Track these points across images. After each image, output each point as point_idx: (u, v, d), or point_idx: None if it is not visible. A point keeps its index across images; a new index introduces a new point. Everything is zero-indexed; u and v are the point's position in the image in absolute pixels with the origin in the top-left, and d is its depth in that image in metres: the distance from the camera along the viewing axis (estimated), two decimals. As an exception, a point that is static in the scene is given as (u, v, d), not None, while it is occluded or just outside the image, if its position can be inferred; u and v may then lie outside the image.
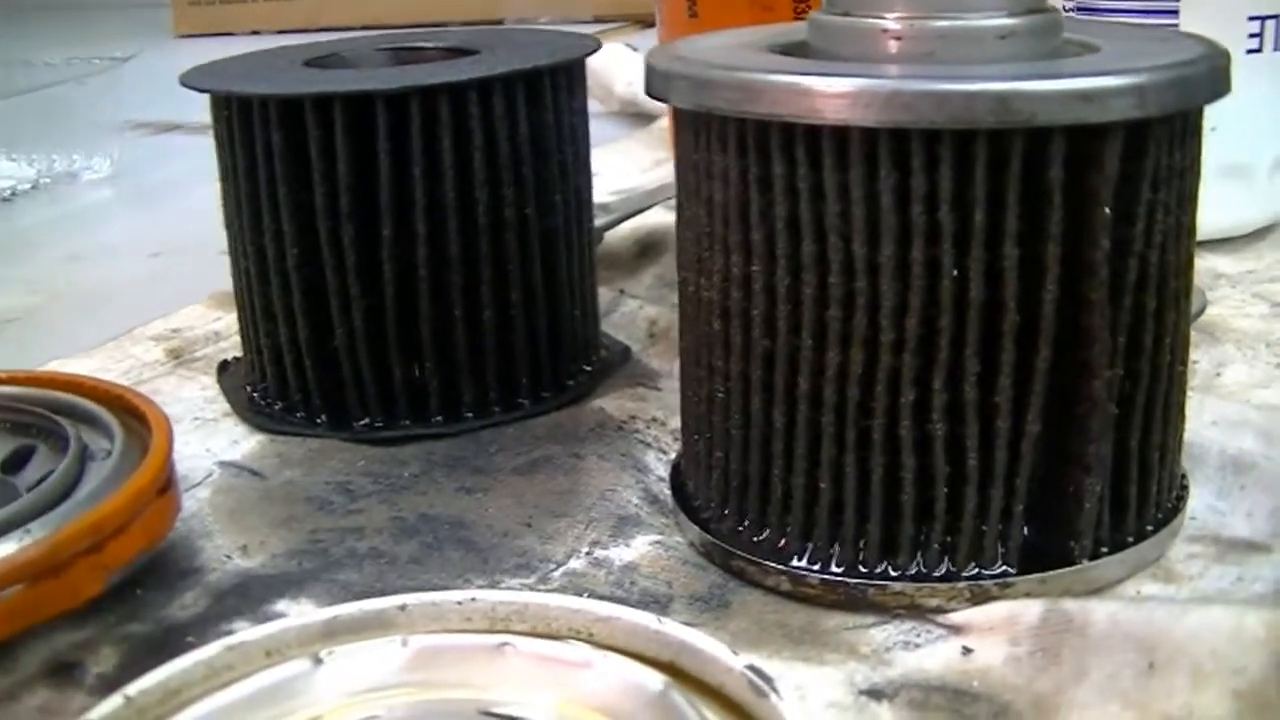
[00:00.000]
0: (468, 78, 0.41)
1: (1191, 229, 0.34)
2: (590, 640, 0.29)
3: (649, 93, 0.34)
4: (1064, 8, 0.52)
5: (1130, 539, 0.33)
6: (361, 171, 0.41)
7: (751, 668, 0.27)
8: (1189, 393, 0.43)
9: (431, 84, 0.41)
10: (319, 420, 0.44)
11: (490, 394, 0.44)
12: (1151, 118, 0.30)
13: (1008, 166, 0.30)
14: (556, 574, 0.35)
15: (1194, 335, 0.47)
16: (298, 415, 0.44)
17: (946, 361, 0.31)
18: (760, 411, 0.33)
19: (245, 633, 0.29)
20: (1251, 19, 0.52)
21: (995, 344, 0.31)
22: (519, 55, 0.44)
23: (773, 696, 0.26)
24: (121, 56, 0.69)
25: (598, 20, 1.22)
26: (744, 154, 0.32)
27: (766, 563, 0.34)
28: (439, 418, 0.43)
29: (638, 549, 0.36)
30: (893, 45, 0.32)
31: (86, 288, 0.60)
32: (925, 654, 0.31)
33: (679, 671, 0.28)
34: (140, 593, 0.35)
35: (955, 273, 0.30)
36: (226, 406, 0.46)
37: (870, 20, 0.33)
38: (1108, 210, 0.30)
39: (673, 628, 0.28)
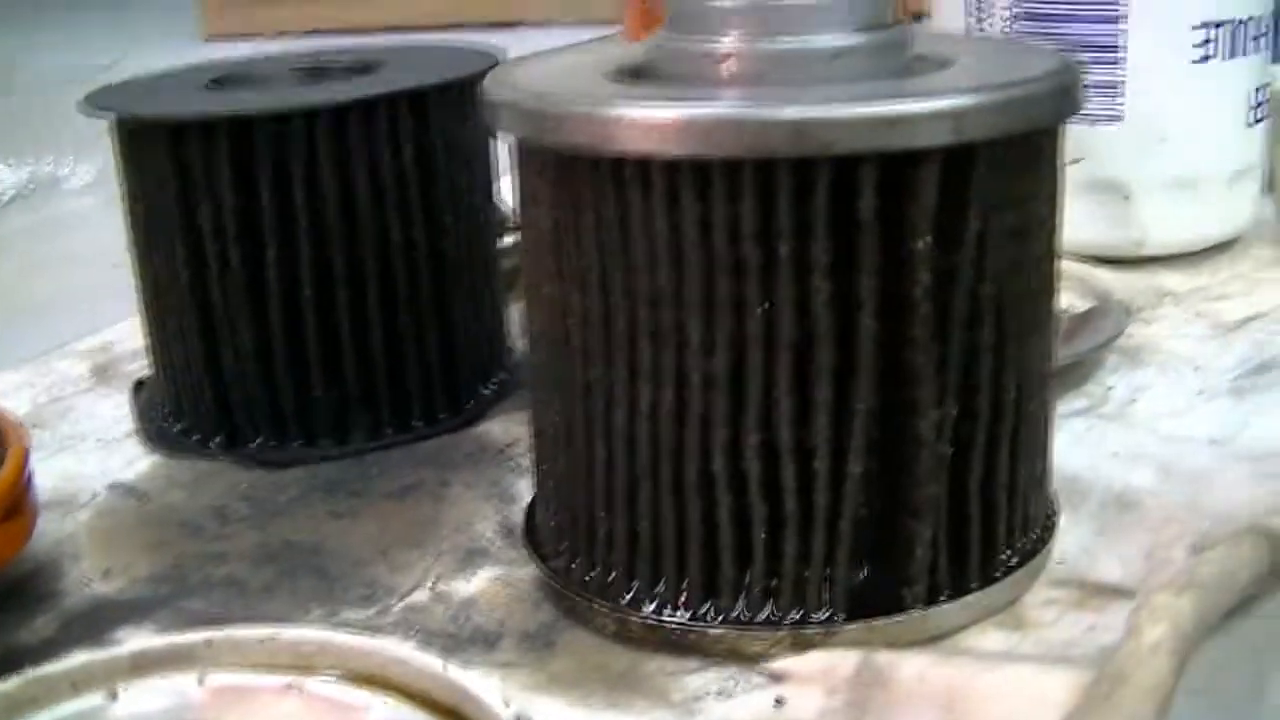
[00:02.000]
0: (348, 98, 0.41)
1: (1044, 256, 0.32)
2: (383, 682, 0.29)
3: (484, 121, 0.33)
4: (1009, 13, 0.50)
5: (973, 584, 0.32)
6: (245, 194, 0.41)
7: (519, 717, 0.26)
8: (1095, 421, 0.41)
9: (312, 105, 0.41)
10: (213, 442, 0.44)
11: (381, 416, 0.43)
12: (975, 141, 0.29)
13: (813, 196, 0.28)
14: (397, 606, 0.35)
15: (1115, 359, 0.45)
16: (194, 437, 0.44)
17: (758, 400, 0.30)
18: (583, 446, 0.32)
19: (49, 665, 0.29)
20: (1198, 27, 0.49)
21: (809, 382, 0.29)
22: (412, 73, 0.43)
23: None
24: (105, 64, 0.70)
25: (618, 21, 1.21)
26: (558, 181, 0.31)
27: (593, 602, 0.33)
28: (329, 440, 0.43)
29: (479, 583, 0.35)
30: (723, 68, 0.31)
31: (40, 298, 0.61)
32: (736, 704, 0.30)
33: (460, 717, 0.28)
34: (-7, 612, 0.35)
35: (763, 307, 0.29)
36: (134, 425, 0.46)
37: (701, 43, 0.31)
38: (925, 242, 0.29)
39: (456, 673, 0.28)
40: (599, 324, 0.31)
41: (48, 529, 0.39)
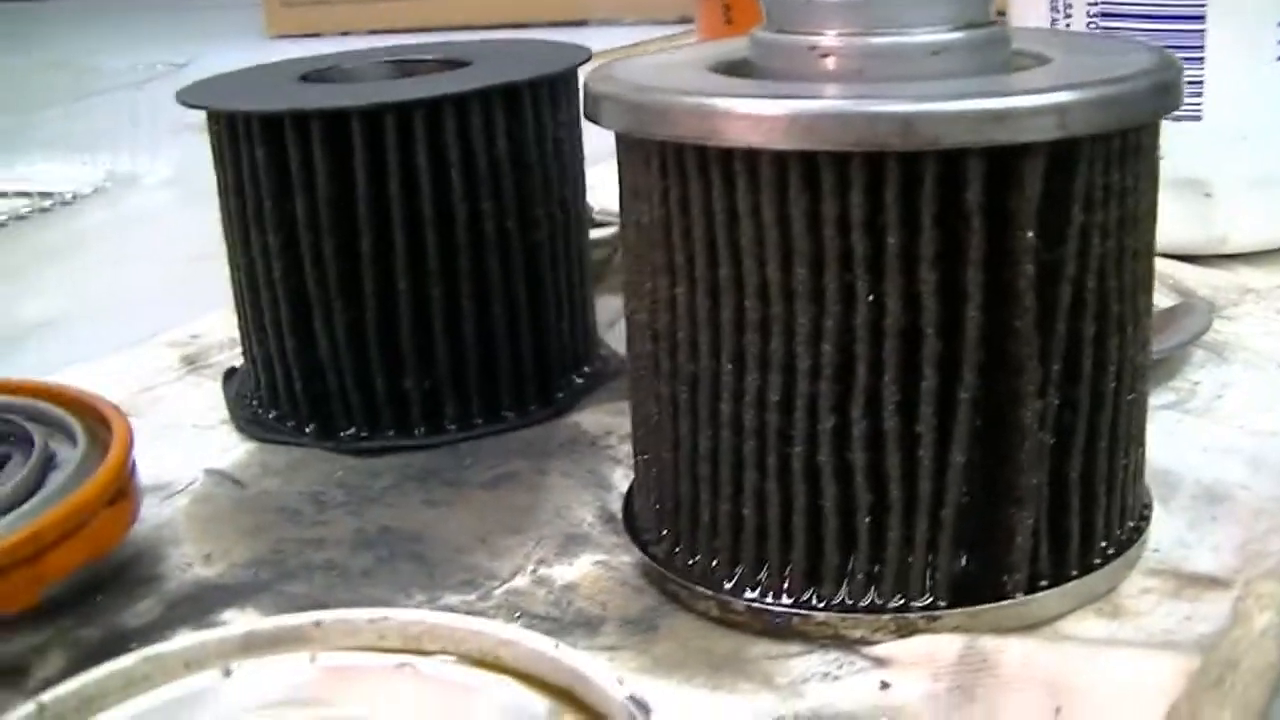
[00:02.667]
0: (443, 93, 0.42)
1: (1143, 250, 0.32)
2: (494, 664, 0.29)
3: (586, 115, 0.33)
4: (1088, 13, 0.51)
5: (1073, 572, 0.32)
6: (340, 186, 0.42)
7: (632, 698, 0.27)
8: (1183, 416, 0.41)
9: (406, 100, 0.41)
10: (306, 430, 0.44)
11: (472, 406, 0.44)
12: (1079, 136, 0.29)
13: (920, 189, 0.29)
14: (498, 591, 0.35)
15: (1200, 355, 0.45)
16: (288, 424, 0.45)
17: (865, 388, 0.30)
18: (688, 435, 0.33)
19: (163, 644, 0.30)
20: (1281, 24, 0.50)
21: (915, 371, 0.30)
22: (504, 69, 0.44)
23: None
24: (180, 63, 0.72)
25: (682, 20, 1.21)
26: (665, 175, 0.31)
27: (696, 587, 0.33)
28: (421, 429, 0.44)
29: (581, 568, 0.36)
30: (825, 63, 0.32)
31: (122, 292, 0.62)
32: (842, 687, 0.31)
33: (573, 698, 0.28)
34: (100, 598, 0.36)
35: (871, 298, 0.29)
36: (226, 414, 0.47)
37: (802, 37, 0.32)
38: (1030, 234, 0.29)
39: (567, 654, 0.28)
40: (706, 316, 0.31)
41: (147, 514, 0.39)
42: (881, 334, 0.30)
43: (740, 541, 0.32)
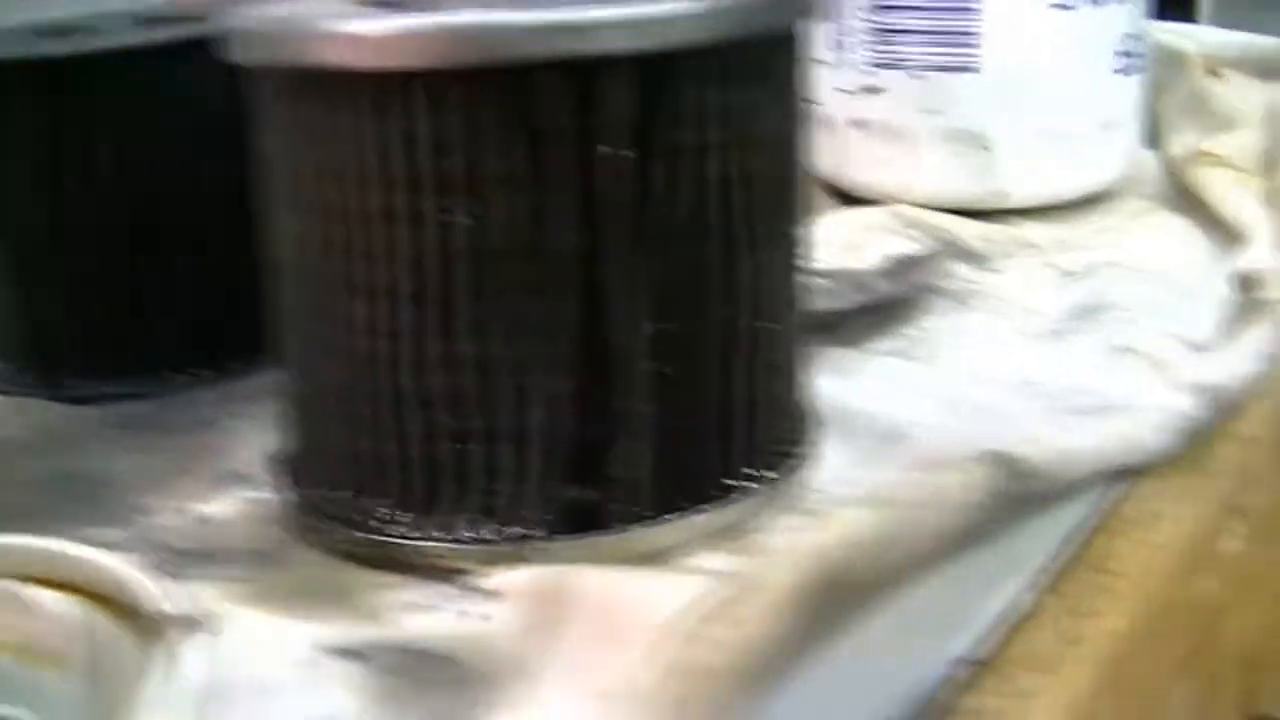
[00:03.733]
0: (151, 43, 0.41)
1: (772, 175, 0.31)
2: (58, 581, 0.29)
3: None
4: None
5: (697, 505, 0.31)
6: (50, 136, 0.41)
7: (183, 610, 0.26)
8: (902, 361, 0.40)
9: (114, 48, 0.41)
10: (27, 377, 0.44)
11: (197, 356, 0.43)
12: (670, 51, 0.28)
13: (491, 106, 0.28)
14: (144, 524, 0.35)
15: (944, 303, 0.44)
16: (10, 370, 0.44)
17: (466, 315, 0.29)
18: (314, 368, 0.32)
19: None
20: (1060, -29, 0.48)
21: (509, 297, 0.29)
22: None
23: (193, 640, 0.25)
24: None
25: None
26: (275, 99, 0.31)
27: (324, 521, 0.32)
28: (139, 378, 0.43)
29: (230, 504, 0.35)
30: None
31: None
32: (435, 618, 0.30)
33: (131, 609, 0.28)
34: None
35: (441, 219, 0.28)
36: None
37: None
38: (618, 153, 0.28)
39: (118, 567, 0.28)
40: (318, 246, 0.30)
41: None
42: (465, 257, 0.29)
43: (362, 475, 0.32)
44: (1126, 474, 0.35)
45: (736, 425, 0.31)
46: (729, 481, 0.32)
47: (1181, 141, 0.55)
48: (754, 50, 0.30)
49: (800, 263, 0.33)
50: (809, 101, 0.32)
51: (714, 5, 0.29)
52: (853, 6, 0.50)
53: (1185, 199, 0.52)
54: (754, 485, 0.32)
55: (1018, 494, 0.31)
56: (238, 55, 0.31)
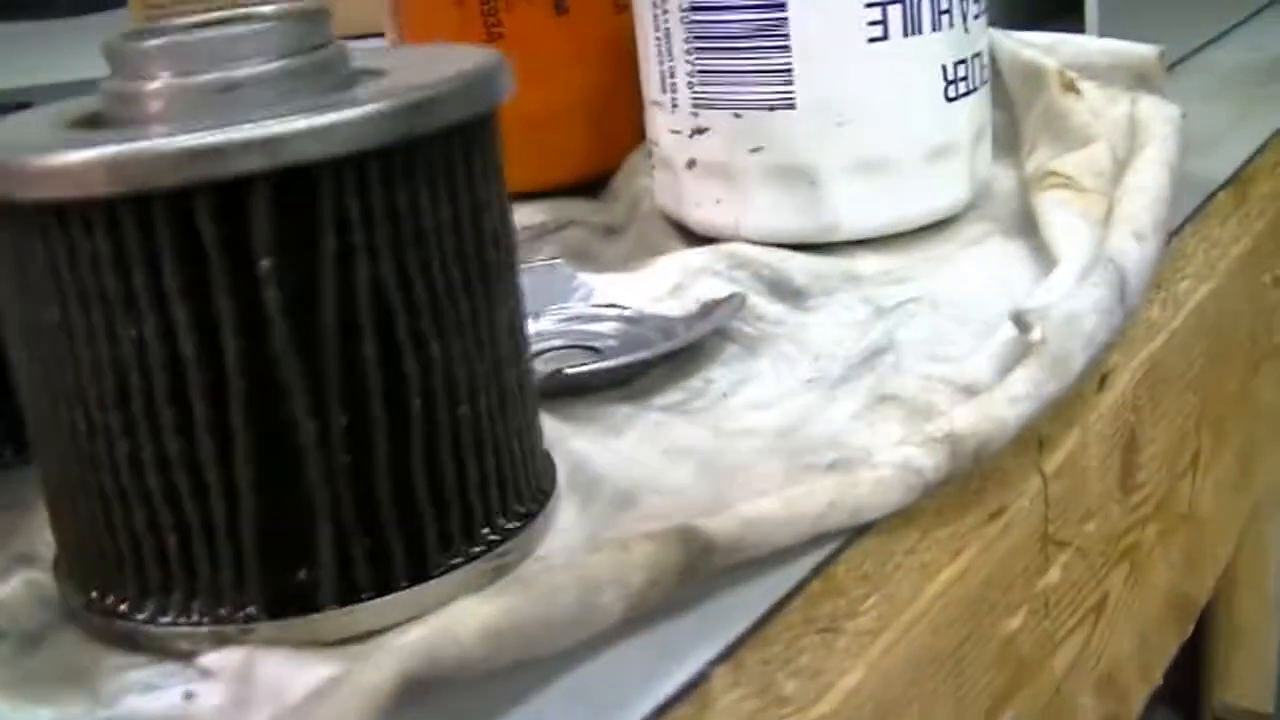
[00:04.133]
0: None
1: (447, 262, 0.33)
2: None
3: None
4: (680, 5, 0.51)
5: (402, 584, 0.33)
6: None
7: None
8: (671, 417, 0.42)
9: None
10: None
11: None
12: (306, 165, 0.30)
13: (154, 228, 0.30)
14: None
15: (733, 349, 0.45)
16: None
17: (145, 417, 0.31)
18: (46, 462, 0.35)
19: None
20: (870, 5, 0.49)
21: (186, 400, 0.31)
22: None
23: None
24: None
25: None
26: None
27: (76, 599, 0.35)
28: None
29: (12, 586, 0.37)
30: (145, 108, 0.33)
31: None
32: (154, 698, 0.32)
33: None
34: None
35: (132, 334, 0.31)
36: None
37: (119, 84, 0.33)
38: (266, 263, 0.30)
39: None
40: (27, 354, 0.33)
41: None
42: (149, 367, 0.31)
43: (93, 562, 0.34)
44: (867, 528, 0.37)
45: (434, 505, 0.33)
46: (434, 559, 0.34)
47: (1034, 160, 0.55)
48: (414, 152, 0.32)
49: (516, 344, 0.35)
50: (491, 188, 0.34)
51: (354, 115, 0.30)
52: (677, 49, 0.51)
53: (1031, 223, 0.53)
54: (468, 559, 0.34)
55: (697, 568, 0.33)
56: None
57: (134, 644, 0.34)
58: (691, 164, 0.53)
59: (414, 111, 0.31)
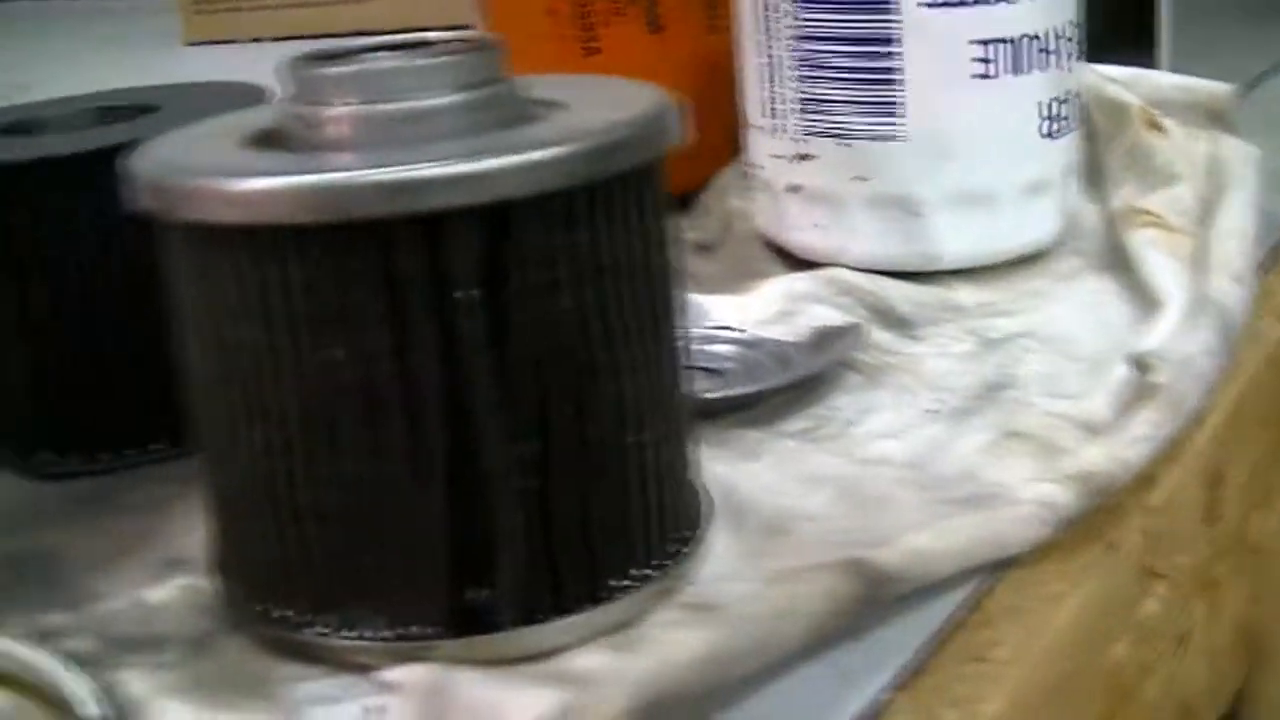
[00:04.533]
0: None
1: (633, 298, 0.33)
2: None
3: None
4: (792, 33, 0.52)
5: (577, 606, 0.34)
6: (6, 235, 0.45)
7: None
8: (802, 445, 0.43)
9: (59, 155, 0.44)
10: (3, 452, 0.47)
11: (151, 433, 0.46)
12: (512, 201, 0.31)
13: (353, 257, 0.31)
14: (96, 611, 0.38)
15: (854, 378, 0.46)
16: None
17: (334, 437, 0.32)
18: (220, 474, 0.35)
19: None
20: (977, 43, 0.50)
21: (381, 424, 0.32)
22: (179, 117, 0.46)
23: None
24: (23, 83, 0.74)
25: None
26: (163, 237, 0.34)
27: (244, 608, 0.36)
28: (105, 454, 0.46)
29: (170, 590, 0.38)
30: (327, 134, 0.33)
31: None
32: (335, 711, 0.33)
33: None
34: None
35: (324, 356, 0.31)
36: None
37: (300, 108, 0.34)
38: (461, 295, 0.31)
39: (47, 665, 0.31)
40: (214, 371, 0.33)
41: None
42: (345, 389, 0.32)
43: (268, 572, 0.35)
44: (1008, 561, 0.38)
45: (611, 530, 0.34)
46: (608, 582, 0.34)
47: (1120, 196, 0.56)
48: (599, 191, 0.32)
49: (677, 374, 0.36)
50: (667, 228, 0.35)
51: (554, 155, 0.31)
52: (783, 76, 0.52)
53: (1119, 258, 0.54)
54: (638, 584, 0.35)
55: (873, 599, 0.34)
56: (131, 197, 0.34)
57: (308, 656, 0.34)
58: (794, 189, 0.53)
59: (609, 152, 0.32)
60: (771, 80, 0.53)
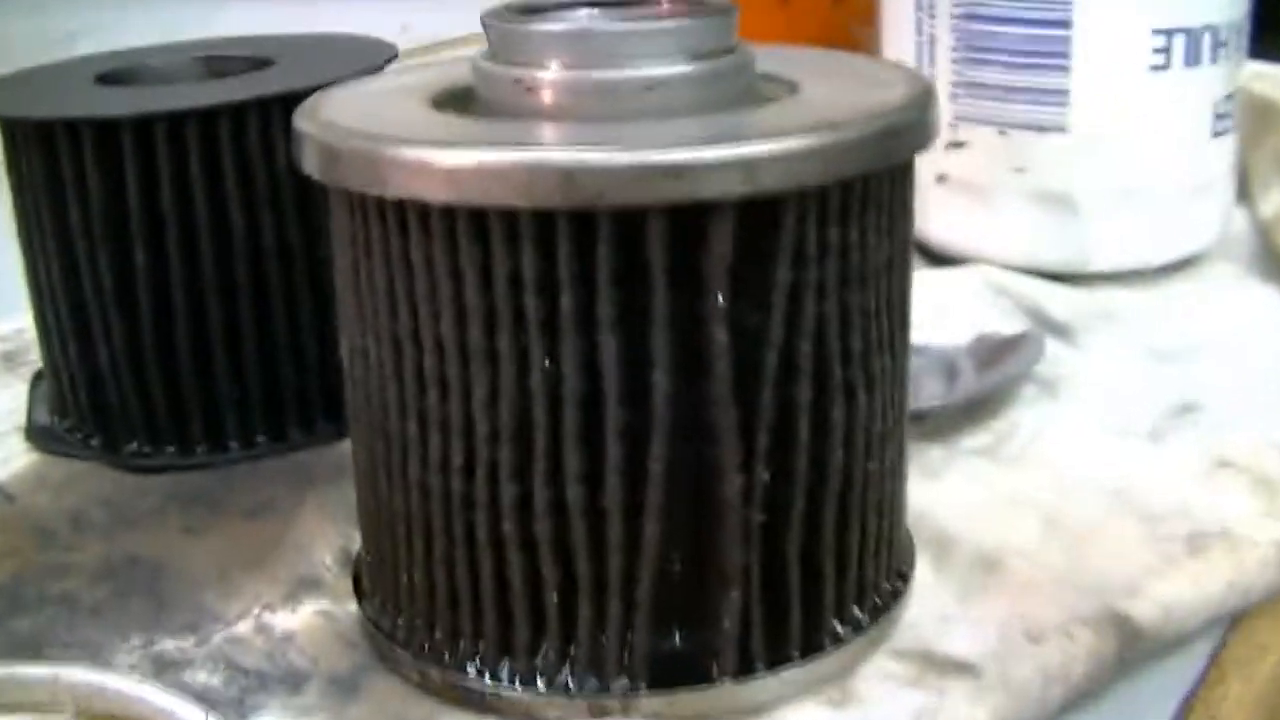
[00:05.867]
0: (218, 102, 0.39)
1: (881, 308, 0.30)
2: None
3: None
4: (951, 14, 0.47)
5: (795, 654, 0.30)
6: (112, 196, 0.39)
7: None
8: (989, 464, 0.39)
9: (177, 110, 0.39)
10: (92, 443, 0.43)
11: (255, 424, 0.42)
12: (776, 192, 0.26)
13: (594, 248, 0.26)
14: (217, 637, 0.34)
15: (1032, 390, 0.42)
16: (76, 436, 0.43)
17: (545, 456, 0.28)
18: (385, 494, 0.31)
19: None
20: (1156, 33, 0.46)
21: (599, 440, 0.28)
22: (299, 71, 0.42)
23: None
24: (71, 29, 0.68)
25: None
26: (352, 217, 0.29)
27: (398, 650, 0.31)
28: (202, 447, 0.42)
29: (303, 617, 0.34)
30: (534, 98, 0.29)
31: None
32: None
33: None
34: None
35: (547, 362, 0.27)
36: (24, 419, 0.45)
37: (513, 69, 0.29)
38: (720, 297, 0.27)
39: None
40: (392, 372, 0.29)
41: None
42: (560, 400, 0.27)
43: (435, 607, 0.30)
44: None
45: (844, 569, 0.30)
46: (828, 628, 0.30)
47: (1271, 201, 0.52)
48: (870, 185, 0.28)
49: (906, 392, 0.32)
50: (911, 228, 0.31)
51: (821, 143, 0.27)
52: (940, 56, 0.48)
53: (1276, 264, 0.50)
54: (854, 630, 0.31)
55: (1127, 657, 0.30)
56: (307, 165, 0.30)
57: (485, 705, 0.30)
58: (941, 178, 0.49)
59: (880, 143, 0.28)
60: (926, 61, 0.49)
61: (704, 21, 0.29)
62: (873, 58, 0.32)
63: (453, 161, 0.26)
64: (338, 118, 0.29)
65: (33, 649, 0.34)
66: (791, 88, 0.31)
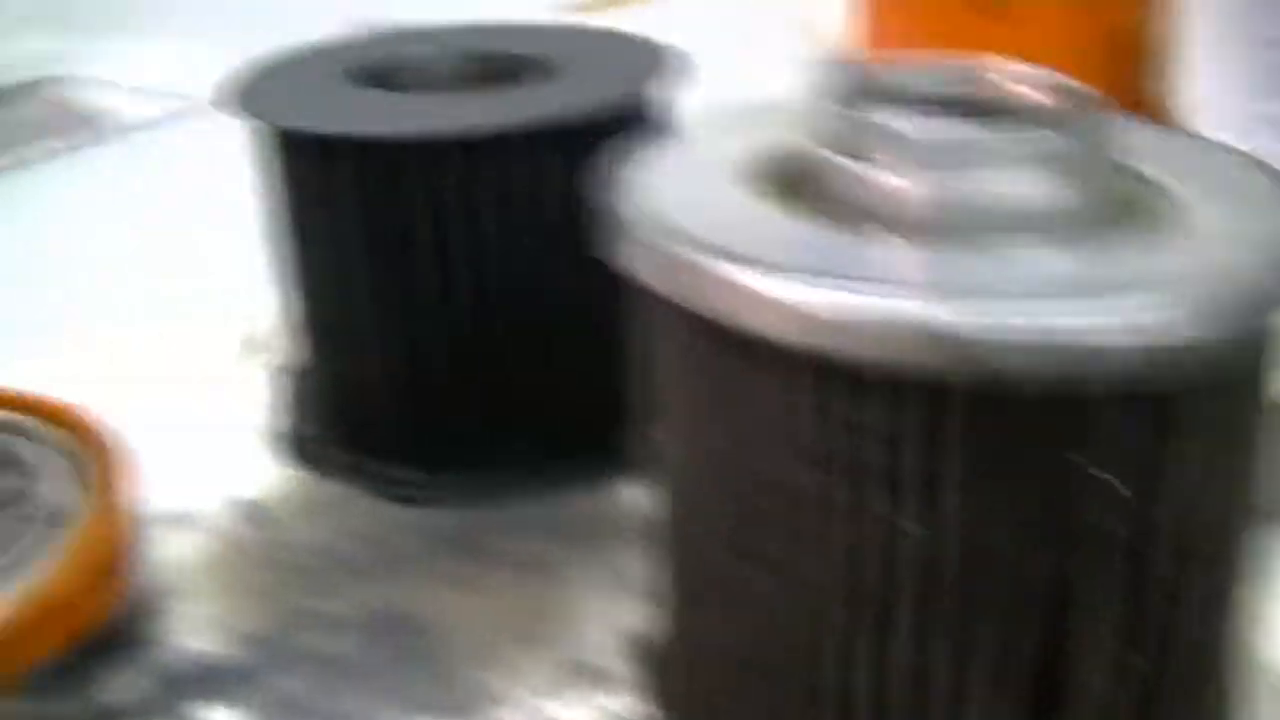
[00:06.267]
0: (510, 126, 0.37)
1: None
2: None
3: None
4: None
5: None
6: (397, 215, 0.38)
7: None
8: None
9: (471, 135, 0.36)
10: (349, 461, 0.41)
11: (526, 460, 0.40)
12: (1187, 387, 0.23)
13: (948, 411, 0.23)
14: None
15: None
16: (330, 451, 0.42)
17: (905, 622, 0.25)
18: (694, 611, 0.28)
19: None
20: None
21: (956, 612, 0.25)
22: (584, 85, 0.39)
23: None
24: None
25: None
26: (687, 341, 0.26)
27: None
28: (469, 483, 0.40)
29: (591, 712, 0.32)
30: (897, 210, 0.25)
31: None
32: None
33: None
34: (88, 663, 0.34)
35: (889, 518, 0.24)
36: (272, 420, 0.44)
37: (873, 171, 0.26)
38: (1108, 481, 0.23)
39: None
40: (714, 499, 0.27)
41: (155, 546, 0.37)
42: (926, 565, 0.24)
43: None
44: None
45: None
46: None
47: None
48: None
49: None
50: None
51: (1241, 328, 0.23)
52: None
53: None
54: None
55: None
56: (628, 263, 0.26)
57: None
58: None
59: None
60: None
61: (1072, 128, 0.25)
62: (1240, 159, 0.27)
63: (802, 302, 0.23)
64: (671, 220, 0.26)
65: (301, 715, 0.33)
66: (1165, 198, 0.26)
